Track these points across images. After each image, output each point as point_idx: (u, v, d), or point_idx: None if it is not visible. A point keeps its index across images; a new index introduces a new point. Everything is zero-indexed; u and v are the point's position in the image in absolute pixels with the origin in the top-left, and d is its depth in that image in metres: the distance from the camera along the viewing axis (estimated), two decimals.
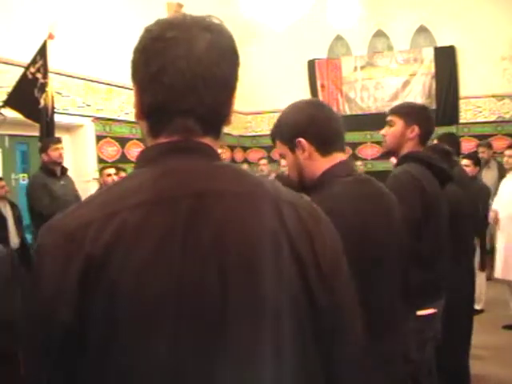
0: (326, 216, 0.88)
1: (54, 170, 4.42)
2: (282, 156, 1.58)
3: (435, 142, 3.46)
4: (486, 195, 4.75)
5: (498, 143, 7.25)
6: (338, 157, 1.49)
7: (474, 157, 4.68)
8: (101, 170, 5.33)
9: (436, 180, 2.09)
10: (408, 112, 2.16)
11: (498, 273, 4.51)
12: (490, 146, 6.17)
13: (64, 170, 4.57)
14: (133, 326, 0.70)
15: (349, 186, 1.45)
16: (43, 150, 4.39)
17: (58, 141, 4.53)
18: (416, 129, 2.12)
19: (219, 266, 0.73)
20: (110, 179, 4.96)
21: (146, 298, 0.70)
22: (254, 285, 0.74)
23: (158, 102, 0.80)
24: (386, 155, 2.25)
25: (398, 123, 2.14)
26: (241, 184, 0.81)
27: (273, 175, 5.36)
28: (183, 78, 0.78)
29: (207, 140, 0.82)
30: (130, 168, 6.14)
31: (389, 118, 2.18)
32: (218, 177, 0.80)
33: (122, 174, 5.33)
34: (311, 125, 1.47)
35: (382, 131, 2.20)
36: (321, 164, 1.49)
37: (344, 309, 0.85)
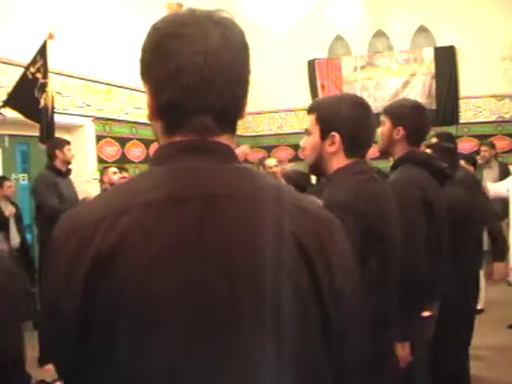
0: (339, 223, 0.86)
1: (62, 170, 4.42)
2: (308, 132, 1.58)
3: (434, 140, 3.44)
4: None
5: (498, 143, 7.23)
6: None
7: (469, 157, 4.67)
8: (104, 169, 5.30)
9: (435, 180, 2.06)
10: (395, 113, 2.08)
11: None
12: (492, 146, 6.18)
13: (69, 171, 4.57)
14: (138, 324, 0.70)
15: (361, 183, 1.50)
16: (58, 147, 4.38)
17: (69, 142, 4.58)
18: (401, 130, 2.05)
19: (228, 269, 0.72)
20: (115, 177, 4.96)
21: (153, 297, 0.70)
22: (263, 291, 0.73)
23: (175, 101, 0.77)
24: (382, 155, 2.20)
25: (387, 123, 2.08)
26: (254, 189, 0.79)
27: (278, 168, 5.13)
28: (201, 74, 0.76)
29: (224, 138, 0.81)
30: (131, 168, 6.14)
31: (381, 117, 2.12)
32: (232, 180, 0.78)
33: (125, 174, 5.32)
34: (355, 128, 1.50)
35: (378, 130, 2.13)
36: (340, 162, 1.53)
37: (352, 319, 0.83)
